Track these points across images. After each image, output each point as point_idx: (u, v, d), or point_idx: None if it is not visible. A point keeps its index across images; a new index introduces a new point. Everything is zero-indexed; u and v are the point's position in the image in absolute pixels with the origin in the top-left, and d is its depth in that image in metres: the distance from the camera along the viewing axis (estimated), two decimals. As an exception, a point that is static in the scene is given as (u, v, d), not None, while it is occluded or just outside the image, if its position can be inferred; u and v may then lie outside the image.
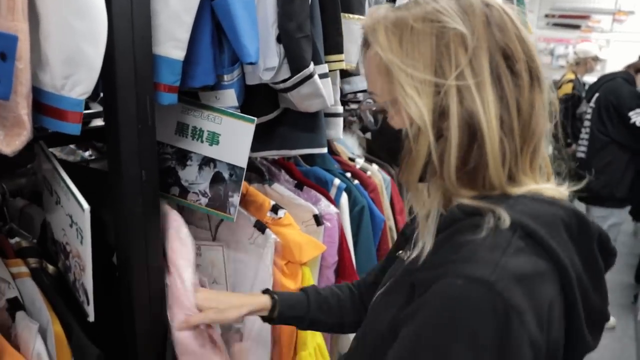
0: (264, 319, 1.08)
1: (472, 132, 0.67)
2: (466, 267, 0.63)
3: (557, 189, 0.74)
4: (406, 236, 0.92)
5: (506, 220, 0.66)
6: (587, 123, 3.84)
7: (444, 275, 0.64)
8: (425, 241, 0.73)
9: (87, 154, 1.82)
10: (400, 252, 0.90)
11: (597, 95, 3.77)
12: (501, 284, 0.61)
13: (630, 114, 3.51)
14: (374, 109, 0.76)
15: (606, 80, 3.80)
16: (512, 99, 0.68)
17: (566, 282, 0.68)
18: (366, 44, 0.77)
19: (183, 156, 1.16)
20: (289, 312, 1.06)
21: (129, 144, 0.91)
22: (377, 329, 0.78)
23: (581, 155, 3.85)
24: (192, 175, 1.16)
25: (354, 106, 2.47)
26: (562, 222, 0.69)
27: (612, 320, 3.59)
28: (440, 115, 0.68)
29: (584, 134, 3.84)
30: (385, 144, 0.78)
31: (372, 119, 0.78)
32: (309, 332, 1.31)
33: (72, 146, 1.80)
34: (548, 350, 0.66)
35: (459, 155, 0.68)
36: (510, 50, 0.69)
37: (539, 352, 0.64)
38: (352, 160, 2.03)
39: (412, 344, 0.67)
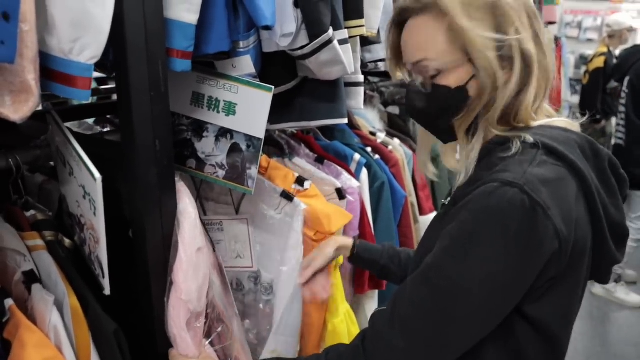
0: (349, 258, 1.28)
1: (527, 74, 0.84)
2: (500, 175, 0.77)
3: (567, 121, 0.91)
4: None
5: (530, 140, 0.82)
6: (622, 109, 3.61)
7: (483, 184, 0.78)
8: (468, 168, 0.86)
9: (105, 130, 1.81)
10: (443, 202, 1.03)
11: (628, 78, 3.56)
12: (529, 186, 0.75)
13: None
14: (429, 73, 0.87)
15: (636, 60, 3.58)
16: (541, 44, 0.85)
17: (586, 188, 0.82)
18: (415, 11, 0.87)
19: (199, 127, 1.13)
20: (365, 254, 1.25)
21: (141, 112, 0.88)
22: (427, 246, 0.88)
23: (619, 142, 3.60)
24: (208, 147, 1.13)
25: (374, 80, 2.41)
26: (576, 144, 0.85)
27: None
28: (502, 64, 0.83)
29: (620, 120, 3.61)
30: (439, 103, 0.88)
31: (422, 85, 0.89)
32: (339, 299, 1.34)
33: (89, 122, 1.79)
34: (577, 245, 0.79)
35: (516, 93, 0.84)
36: (532, 11, 0.86)
37: (566, 243, 0.77)
38: (373, 134, 1.98)
39: (450, 237, 0.79)
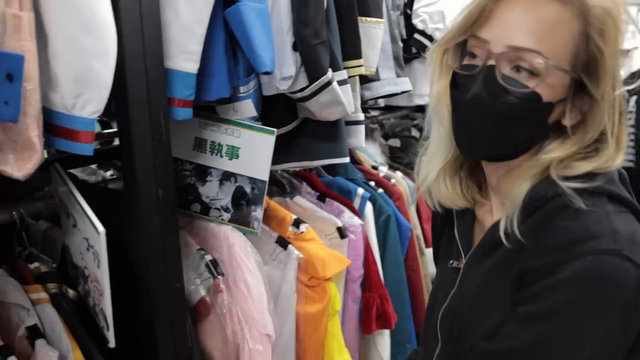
0: None
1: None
2: (590, 244, 0.66)
3: None
4: (441, 248, 0.95)
5: (603, 189, 0.70)
6: (630, 130, 3.59)
7: (571, 259, 0.66)
8: (511, 215, 0.72)
9: (108, 173, 1.81)
10: (452, 261, 0.88)
11: (635, 98, 3.56)
12: (627, 250, 0.65)
13: None
14: (527, 68, 0.69)
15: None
16: None
17: None
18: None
19: (202, 172, 1.13)
20: None
21: (143, 162, 0.88)
22: (477, 331, 0.76)
23: (629, 164, 3.57)
24: (212, 191, 1.13)
25: (374, 113, 2.42)
26: (614, 175, 0.74)
27: None
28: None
29: (629, 141, 3.57)
30: (518, 111, 0.71)
31: (503, 79, 0.70)
32: (335, 349, 1.29)
33: (93, 166, 1.80)
34: None
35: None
36: None
37: None
38: (375, 168, 1.98)
39: (546, 321, 0.68)
